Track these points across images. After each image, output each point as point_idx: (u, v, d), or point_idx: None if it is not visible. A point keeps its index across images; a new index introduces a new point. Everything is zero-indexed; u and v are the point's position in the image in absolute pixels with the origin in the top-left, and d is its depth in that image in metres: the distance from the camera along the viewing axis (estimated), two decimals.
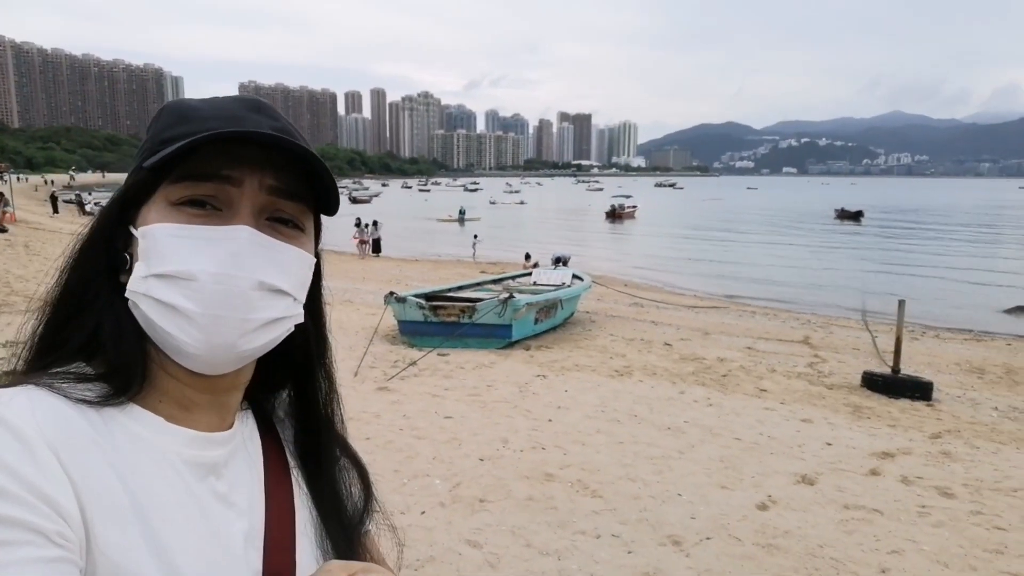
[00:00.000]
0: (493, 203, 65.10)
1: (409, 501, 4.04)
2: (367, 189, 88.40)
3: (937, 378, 7.46)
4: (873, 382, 7.11)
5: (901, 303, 7.60)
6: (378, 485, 0.82)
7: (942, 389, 7.16)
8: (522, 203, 67.70)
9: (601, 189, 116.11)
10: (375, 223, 23.70)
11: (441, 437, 5.16)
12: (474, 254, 22.62)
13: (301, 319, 0.67)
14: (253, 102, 0.66)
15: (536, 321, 9.24)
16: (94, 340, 0.61)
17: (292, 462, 0.73)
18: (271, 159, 0.62)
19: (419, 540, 3.58)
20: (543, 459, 4.78)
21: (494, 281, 12.05)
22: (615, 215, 45.45)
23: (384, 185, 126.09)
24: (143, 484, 0.57)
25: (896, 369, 7.21)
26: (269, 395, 0.76)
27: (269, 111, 0.66)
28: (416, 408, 5.87)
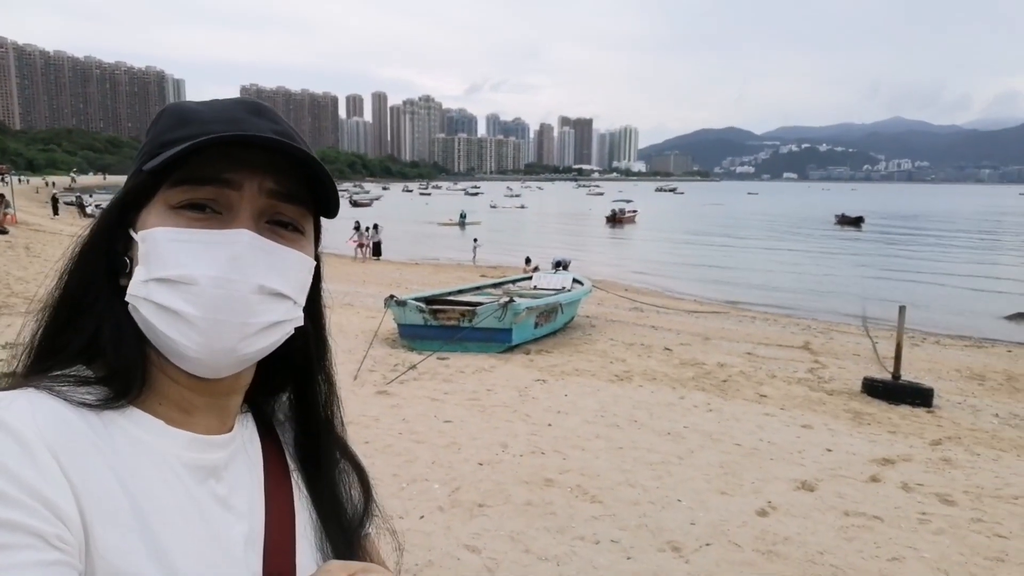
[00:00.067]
0: (494, 207, 65.16)
1: (408, 505, 4.03)
2: (368, 192, 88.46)
3: (938, 384, 7.45)
4: (873, 388, 7.10)
5: (902, 309, 7.60)
6: (377, 489, 0.82)
7: (943, 395, 7.15)
8: (523, 207, 67.77)
9: (602, 194, 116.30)
10: (376, 226, 23.71)
11: (440, 441, 5.15)
12: (474, 258, 22.62)
13: (301, 322, 0.67)
14: (253, 105, 0.66)
15: (536, 325, 9.23)
16: (94, 343, 0.61)
17: (292, 465, 0.73)
18: (271, 162, 0.62)
19: (417, 545, 3.57)
20: (542, 464, 4.77)
21: (494, 285, 12.05)
22: (615, 219, 45.50)
23: (385, 188, 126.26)
24: (143, 487, 0.57)
25: (897, 375, 7.20)
26: (269, 398, 0.76)
27: (270, 114, 0.66)
28: (415, 412, 5.86)
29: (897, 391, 6.95)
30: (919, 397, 6.84)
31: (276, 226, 0.63)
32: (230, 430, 0.67)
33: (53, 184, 66.21)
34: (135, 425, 0.60)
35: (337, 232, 21.81)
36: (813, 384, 7.57)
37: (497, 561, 3.46)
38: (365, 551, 0.79)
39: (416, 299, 9.14)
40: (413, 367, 7.40)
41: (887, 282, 19.97)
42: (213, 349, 0.59)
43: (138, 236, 0.61)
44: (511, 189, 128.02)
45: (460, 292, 10.90)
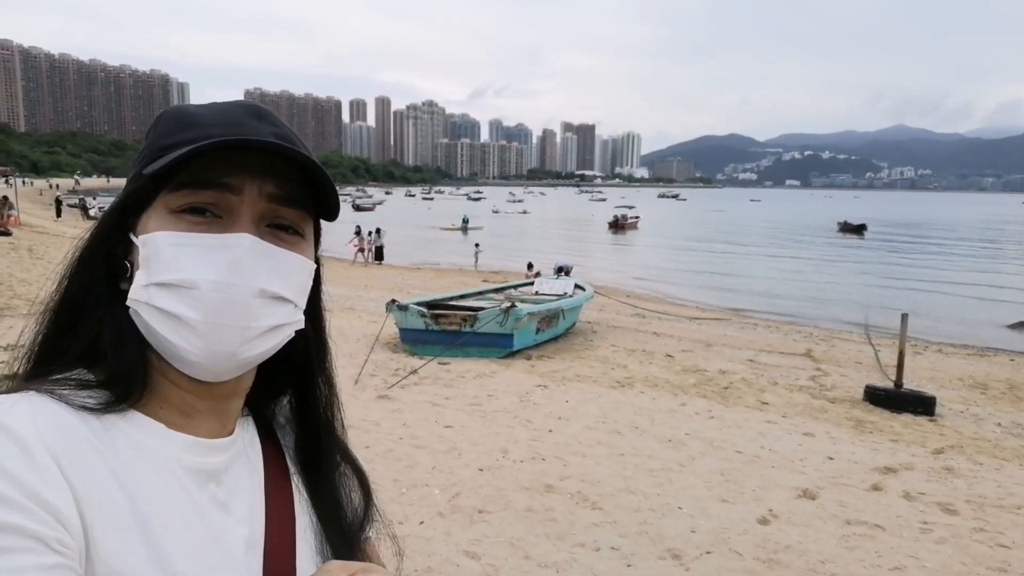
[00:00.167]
0: (496, 212, 65.19)
1: (408, 511, 4.02)
2: (371, 197, 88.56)
3: (940, 393, 7.43)
4: (876, 396, 7.08)
5: (904, 317, 7.58)
6: (377, 494, 0.82)
7: (945, 404, 7.13)
8: (525, 212, 67.81)
9: (604, 199, 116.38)
10: (378, 231, 23.74)
11: (441, 446, 5.14)
12: (476, 263, 22.63)
13: (302, 325, 0.67)
14: (254, 108, 0.66)
15: (538, 331, 9.23)
16: (95, 347, 0.61)
17: (292, 468, 0.73)
18: (272, 166, 0.62)
19: (417, 550, 3.56)
20: (543, 470, 4.76)
21: (496, 290, 12.05)
22: (618, 226, 45.49)
23: (388, 193, 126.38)
24: (143, 491, 0.57)
25: (899, 383, 7.18)
26: (270, 401, 0.76)
27: (270, 117, 0.66)
28: (416, 417, 5.85)
29: (899, 399, 6.93)
30: (921, 405, 6.82)
31: (276, 229, 0.63)
32: (231, 434, 0.67)
33: (57, 186, 66.39)
34: (136, 429, 0.60)
35: (338, 235, 21.84)
36: (815, 392, 7.55)
37: (497, 568, 3.45)
38: (365, 555, 0.79)
39: (418, 304, 9.14)
40: (414, 372, 7.39)
41: (889, 290, 19.94)
42: (214, 353, 0.59)
43: (139, 240, 0.61)
44: (514, 194, 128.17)
45: (462, 297, 10.91)
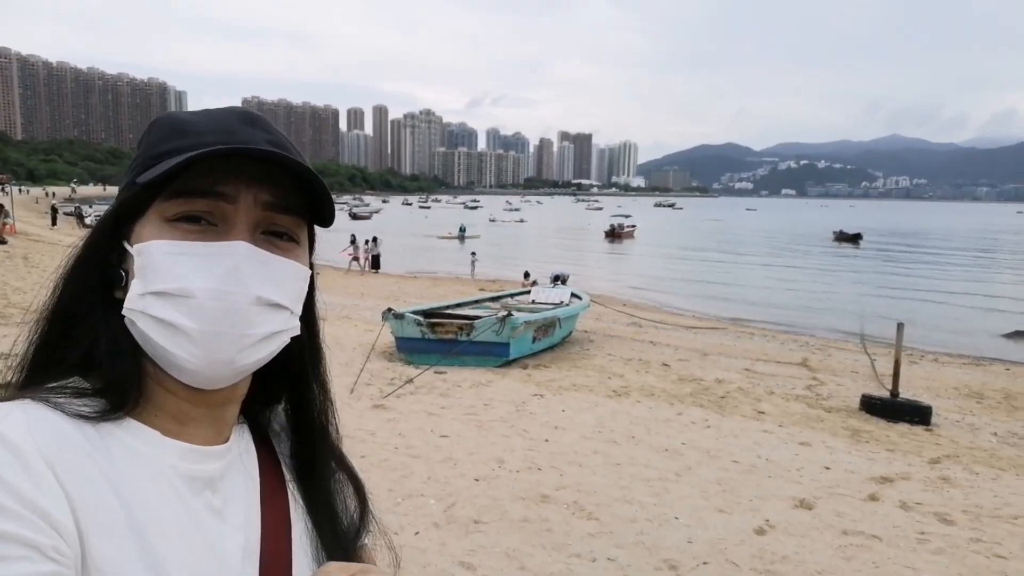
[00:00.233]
0: (493, 221, 65.26)
1: (403, 521, 4.00)
2: (367, 205, 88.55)
3: (936, 402, 7.43)
4: (872, 405, 7.08)
5: (900, 326, 7.60)
6: (375, 516, 0.81)
7: (941, 413, 7.14)
8: (522, 221, 67.88)
9: (600, 208, 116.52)
10: (375, 239, 23.73)
11: (436, 456, 5.12)
12: (473, 271, 22.63)
13: (298, 331, 0.67)
14: (247, 115, 0.66)
15: (534, 340, 9.22)
16: (90, 356, 0.61)
17: (288, 475, 0.73)
18: (267, 174, 0.62)
19: (412, 561, 3.54)
20: (539, 480, 4.74)
21: (492, 299, 12.05)
22: (614, 234, 45.58)
23: (385, 201, 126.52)
24: (139, 498, 0.57)
25: (895, 393, 7.19)
26: (264, 409, 0.76)
27: (263, 124, 0.66)
28: (412, 426, 5.83)
29: (895, 409, 6.94)
30: (917, 415, 6.82)
31: (271, 236, 0.63)
32: (226, 441, 0.67)
33: (53, 194, 66.29)
34: (131, 436, 0.59)
35: (333, 244, 21.85)
36: (811, 401, 7.55)
37: None
38: (362, 561, 0.78)
39: (414, 312, 9.13)
40: (410, 381, 7.37)
41: (885, 299, 19.99)
42: (212, 361, 0.59)
43: (133, 249, 0.61)
44: (510, 203, 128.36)
45: (458, 306, 10.90)
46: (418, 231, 47.16)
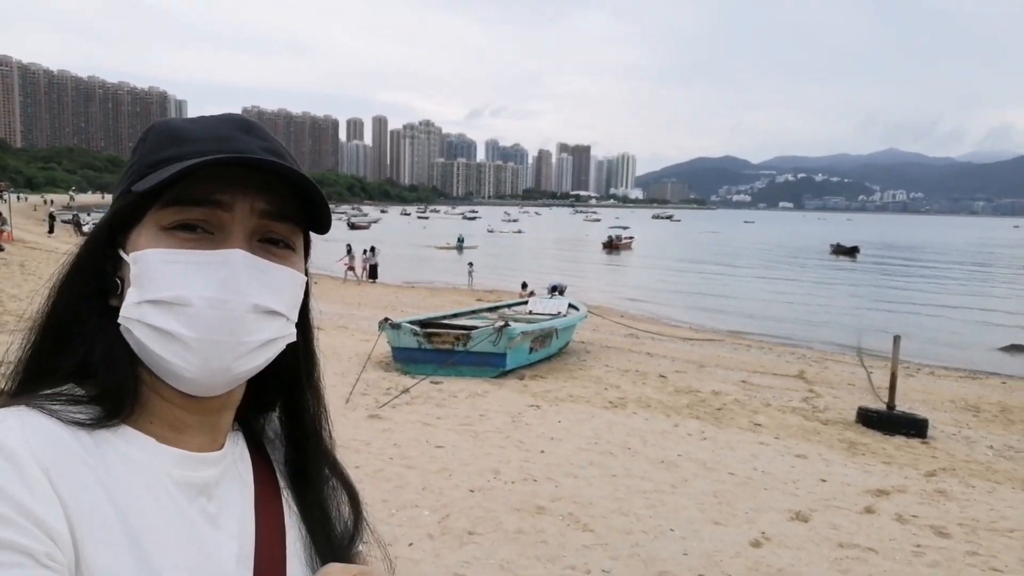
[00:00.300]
0: (491, 232, 65.32)
1: (397, 532, 3.97)
2: (366, 215, 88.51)
3: (932, 415, 7.43)
4: (868, 418, 7.08)
5: (896, 339, 7.61)
6: (368, 523, 0.81)
7: (937, 426, 7.13)
8: (520, 232, 67.98)
9: (599, 220, 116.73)
10: (372, 249, 23.73)
11: (431, 467, 5.10)
12: (470, 282, 22.63)
13: (294, 338, 0.67)
14: (242, 122, 0.66)
15: (531, 350, 9.21)
16: (85, 363, 0.61)
17: (282, 482, 0.73)
18: (264, 182, 0.62)
19: (406, 573, 3.52)
20: (534, 491, 4.72)
21: (490, 309, 12.04)
22: (612, 246, 45.64)
23: (383, 212, 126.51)
24: (134, 505, 0.57)
25: (891, 405, 7.18)
26: (259, 416, 0.76)
27: (259, 131, 0.66)
28: (407, 437, 5.81)
29: (892, 421, 6.93)
30: (914, 428, 6.82)
31: (267, 244, 0.63)
32: (221, 448, 0.67)
33: (51, 202, 66.29)
34: (126, 443, 0.59)
35: (330, 254, 21.84)
36: (808, 413, 7.54)
37: None
38: None
39: (411, 322, 9.12)
40: (406, 391, 7.35)
41: (882, 312, 20.02)
42: (209, 369, 0.59)
43: (129, 258, 0.61)
44: (509, 214, 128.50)
45: (455, 316, 10.89)
46: (416, 241, 47.18)
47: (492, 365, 8.53)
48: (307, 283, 0.70)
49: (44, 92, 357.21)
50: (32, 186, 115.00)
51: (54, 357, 0.62)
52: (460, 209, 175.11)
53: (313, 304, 0.74)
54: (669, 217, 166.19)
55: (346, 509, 0.78)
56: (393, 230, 62.68)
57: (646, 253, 44.64)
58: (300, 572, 0.68)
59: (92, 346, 0.61)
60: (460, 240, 41.25)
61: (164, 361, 0.59)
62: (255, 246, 0.62)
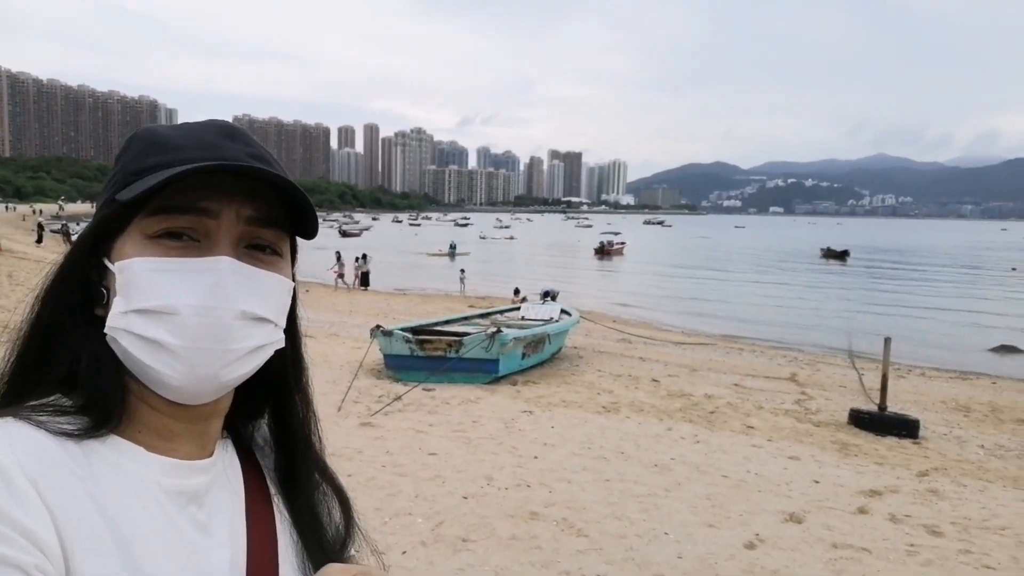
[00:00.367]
0: (483, 238, 65.39)
1: (390, 540, 3.95)
2: (357, 223, 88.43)
3: (923, 416, 7.47)
4: (860, 419, 7.10)
5: (887, 340, 7.65)
6: (360, 527, 0.81)
7: (928, 427, 7.16)
8: (512, 238, 68.07)
9: (590, 226, 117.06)
10: (364, 256, 23.69)
11: (424, 474, 5.07)
12: (462, 288, 22.62)
13: (282, 344, 0.67)
14: (226, 128, 0.65)
15: (523, 356, 9.20)
16: (71, 373, 0.60)
17: (272, 488, 0.73)
18: (249, 188, 0.61)
19: None
20: (528, 497, 4.71)
21: (482, 315, 12.03)
22: (604, 251, 45.77)
23: (375, 219, 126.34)
24: (124, 515, 0.56)
25: (883, 407, 7.21)
26: (247, 423, 0.75)
27: (243, 137, 0.65)
28: (399, 444, 5.78)
29: (884, 422, 6.96)
30: (905, 428, 6.85)
31: (254, 250, 0.63)
32: (210, 455, 0.66)
33: (40, 212, 65.86)
34: (115, 453, 0.59)
35: (321, 263, 21.80)
36: (800, 415, 7.56)
37: None
38: None
39: (403, 329, 9.10)
40: (398, 398, 7.32)
41: (872, 315, 20.14)
42: (197, 377, 0.59)
43: (115, 267, 0.60)
44: (501, 221, 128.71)
45: (447, 322, 10.87)
46: (408, 248, 47.16)
47: (485, 371, 8.51)
48: (294, 289, 0.70)
49: (33, 101, 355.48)
50: (21, 196, 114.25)
51: (40, 368, 0.61)
52: (452, 216, 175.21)
53: (300, 310, 0.74)
54: (660, 223, 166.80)
55: (337, 514, 0.77)
56: (385, 237, 62.62)
57: (638, 258, 44.79)
58: None
59: (78, 356, 0.60)
60: (452, 247, 41.26)
61: (152, 370, 0.59)
62: (242, 253, 0.62)
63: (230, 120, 0.68)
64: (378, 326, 8.89)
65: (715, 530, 4.27)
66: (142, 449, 0.60)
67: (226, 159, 0.61)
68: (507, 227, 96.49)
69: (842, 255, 46.55)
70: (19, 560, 0.48)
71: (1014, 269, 40.57)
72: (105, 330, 0.60)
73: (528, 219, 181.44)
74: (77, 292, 0.62)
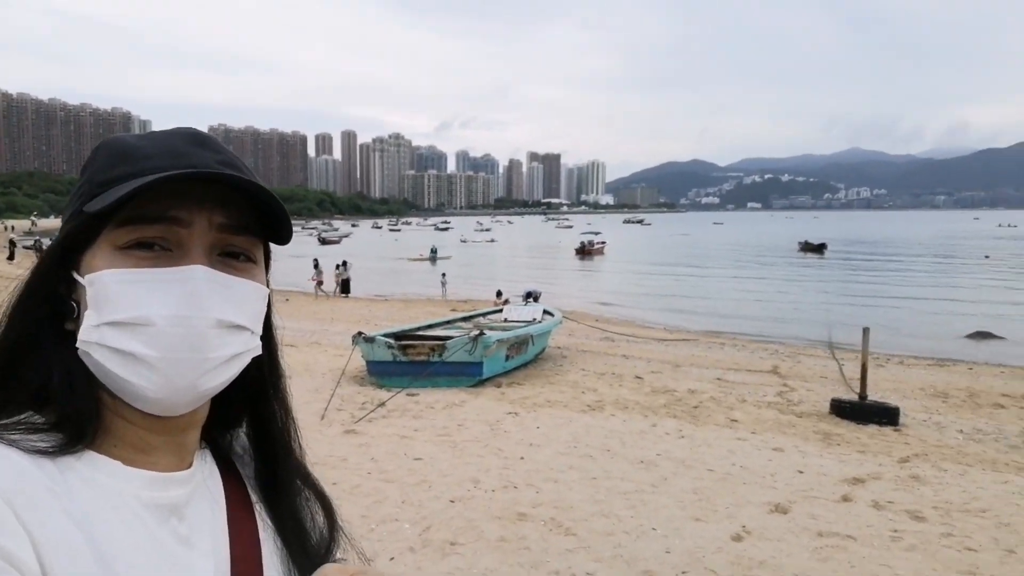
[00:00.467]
0: (464, 241, 65.36)
1: (377, 547, 3.92)
2: (337, 230, 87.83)
3: (903, 403, 7.57)
4: (841, 409, 7.18)
5: (865, 331, 7.74)
6: (344, 530, 0.80)
7: (908, 414, 7.26)
8: (493, 241, 68.08)
9: (571, 226, 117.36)
10: (344, 263, 23.54)
11: (410, 479, 5.04)
12: (444, 292, 22.57)
13: (259, 351, 0.66)
14: (194, 135, 0.64)
15: (507, 358, 9.19)
16: (43, 390, 0.59)
17: (254, 497, 0.72)
18: (221, 195, 0.60)
19: None
20: (515, 498, 4.70)
21: (465, 319, 12.00)
22: (585, 251, 45.94)
23: (354, 226, 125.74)
24: (104, 531, 0.55)
25: (863, 395, 7.30)
26: (225, 432, 0.74)
27: (213, 144, 0.64)
28: (384, 450, 5.75)
29: (864, 411, 7.04)
30: (886, 416, 6.93)
31: (228, 258, 0.62)
32: (189, 467, 0.65)
33: (12, 228, 64.69)
34: (92, 469, 0.57)
35: (301, 272, 21.64)
36: (783, 407, 7.63)
37: None
38: None
39: (385, 335, 9.05)
40: (382, 404, 7.28)
41: (851, 306, 20.41)
42: (174, 388, 0.58)
43: (85, 280, 0.59)
44: (481, 224, 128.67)
45: (430, 327, 10.83)
46: (388, 254, 46.96)
47: (468, 374, 8.49)
48: (270, 295, 0.69)
49: (3, 116, 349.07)
50: None
51: (9, 386, 0.59)
52: (432, 220, 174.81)
53: (276, 317, 0.73)
54: (640, 221, 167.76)
55: (321, 519, 0.77)
56: (365, 244, 62.30)
57: (618, 257, 45.02)
58: None
59: (49, 372, 0.59)
60: (433, 251, 41.18)
61: (127, 383, 0.58)
62: (215, 260, 0.61)
63: (205, 130, 0.67)
64: (360, 333, 8.83)
65: (702, 524, 4.29)
66: (119, 463, 0.59)
67: (196, 166, 0.60)
68: (488, 230, 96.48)
69: (819, 248, 47.17)
70: None
71: (987, 257, 41.41)
72: (77, 344, 0.59)
73: (509, 221, 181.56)
74: (45, 307, 0.61)
